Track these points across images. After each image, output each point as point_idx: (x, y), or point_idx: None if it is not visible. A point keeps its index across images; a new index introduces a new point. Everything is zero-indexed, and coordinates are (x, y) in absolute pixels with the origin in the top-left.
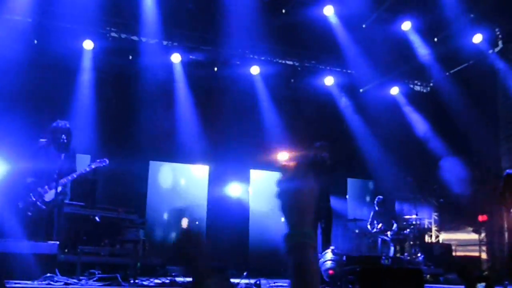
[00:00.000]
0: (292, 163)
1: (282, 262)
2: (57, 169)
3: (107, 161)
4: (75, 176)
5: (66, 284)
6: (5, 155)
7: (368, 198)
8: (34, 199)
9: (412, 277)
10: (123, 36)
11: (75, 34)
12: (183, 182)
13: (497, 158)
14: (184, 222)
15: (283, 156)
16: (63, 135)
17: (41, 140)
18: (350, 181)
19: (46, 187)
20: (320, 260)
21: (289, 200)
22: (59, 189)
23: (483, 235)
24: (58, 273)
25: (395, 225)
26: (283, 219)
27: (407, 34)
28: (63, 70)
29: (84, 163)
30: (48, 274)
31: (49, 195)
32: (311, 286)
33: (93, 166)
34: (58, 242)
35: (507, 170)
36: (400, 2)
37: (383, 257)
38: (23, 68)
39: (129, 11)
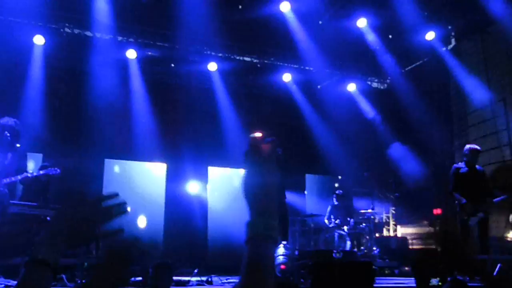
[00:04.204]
0: (265, 144)
1: (240, 259)
2: (1, 167)
3: (59, 171)
4: (20, 178)
5: (7, 287)
6: None
7: (326, 193)
8: None
9: (362, 270)
10: (76, 31)
11: (25, 29)
12: (139, 180)
13: (451, 153)
14: (141, 221)
15: (257, 134)
16: (7, 133)
17: None
18: (308, 177)
19: None
20: None
21: (257, 181)
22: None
23: (438, 228)
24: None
25: (351, 220)
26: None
27: (363, 31)
28: (14, 66)
29: (36, 162)
30: None
31: None
32: (262, 284)
33: (42, 172)
34: None
35: (454, 165)
36: None
37: (335, 251)
38: None
39: (83, 6)
